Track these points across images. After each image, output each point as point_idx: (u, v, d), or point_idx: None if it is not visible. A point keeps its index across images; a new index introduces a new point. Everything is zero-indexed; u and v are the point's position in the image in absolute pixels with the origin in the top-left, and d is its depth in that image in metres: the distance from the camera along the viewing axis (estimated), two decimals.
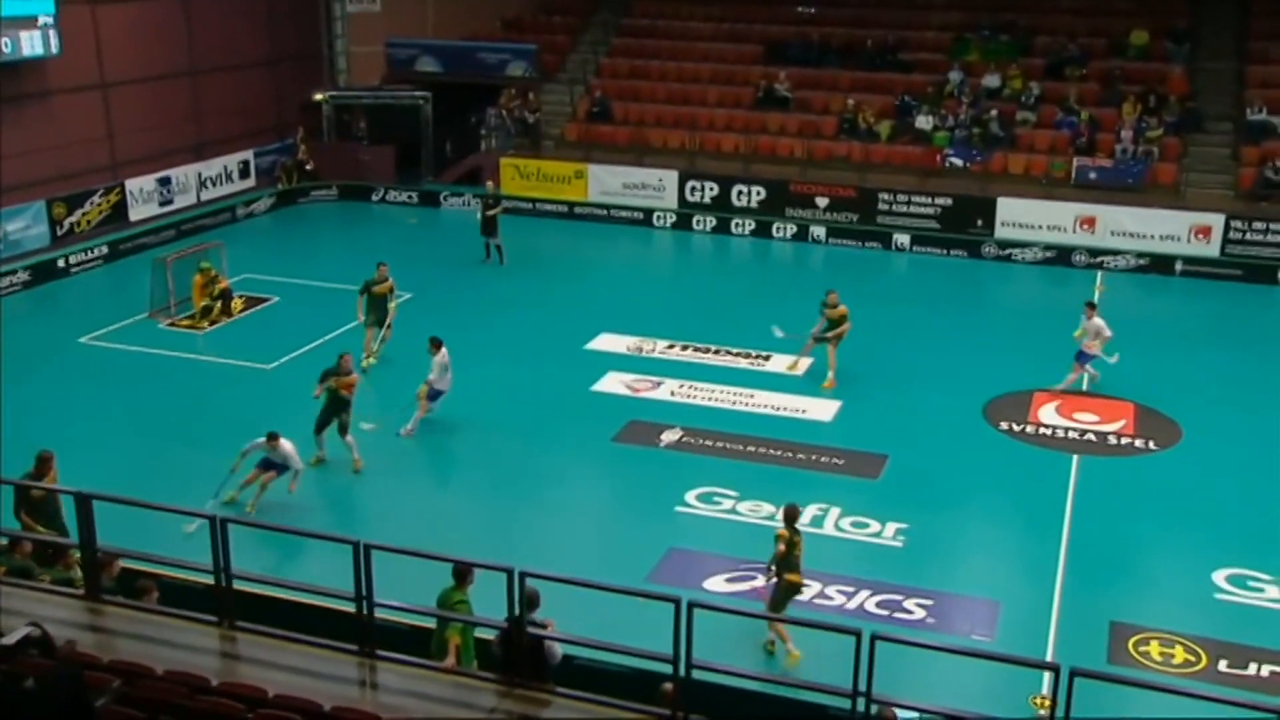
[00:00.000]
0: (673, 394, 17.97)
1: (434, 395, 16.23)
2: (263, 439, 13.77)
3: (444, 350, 16.09)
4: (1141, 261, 24.86)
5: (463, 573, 9.51)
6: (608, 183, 28.51)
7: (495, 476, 15.25)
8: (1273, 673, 11.18)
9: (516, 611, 8.21)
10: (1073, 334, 17.88)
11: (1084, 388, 18.03)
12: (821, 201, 27.28)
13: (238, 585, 8.76)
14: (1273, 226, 24.38)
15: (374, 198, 29.92)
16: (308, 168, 30.06)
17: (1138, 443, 16.44)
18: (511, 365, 18.91)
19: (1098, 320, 17.61)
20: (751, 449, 15.99)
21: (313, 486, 14.59)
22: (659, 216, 28.10)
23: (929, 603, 12.32)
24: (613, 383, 18.39)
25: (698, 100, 29.94)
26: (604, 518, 14.50)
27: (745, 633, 11.49)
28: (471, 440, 16.38)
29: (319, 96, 31.22)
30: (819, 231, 26.97)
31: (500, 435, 16.40)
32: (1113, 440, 16.53)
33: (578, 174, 28.72)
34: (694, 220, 27.85)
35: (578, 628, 9.06)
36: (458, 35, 32.56)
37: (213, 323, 20.63)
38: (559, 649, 8.69)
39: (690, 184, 28.16)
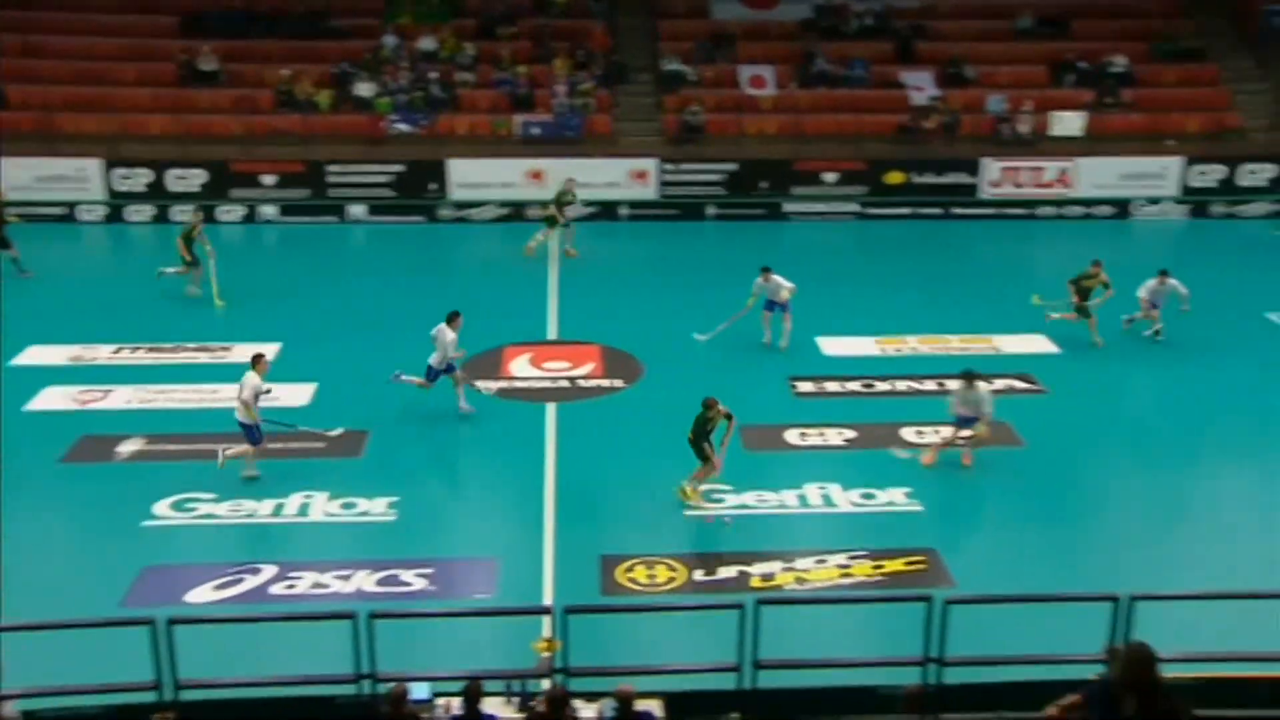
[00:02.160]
0: (128, 401, 16.68)
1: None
2: None
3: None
4: (591, 209, 26.65)
5: None
6: (16, 177, 25.57)
7: None
8: (739, 571, 12.58)
9: None
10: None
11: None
12: (268, 179, 26.41)
13: None
14: (697, 167, 27.14)
15: None
16: None
17: (605, 383, 17.67)
18: None
19: (777, 279, 18.64)
20: (227, 447, 15.19)
21: None
22: (85, 210, 25.73)
23: (429, 571, 12.49)
24: (53, 398, 16.70)
25: (113, 79, 27.68)
26: (60, 548, 13.14)
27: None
28: None
29: None
30: (270, 210, 26.12)
31: None
32: (584, 383, 17.64)
33: None
34: (127, 211, 25.83)
35: (39, 677, 8.16)
36: None
37: None
38: (10, 707, 7.78)
39: (118, 172, 26.04)
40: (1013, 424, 16.09)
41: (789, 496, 14.20)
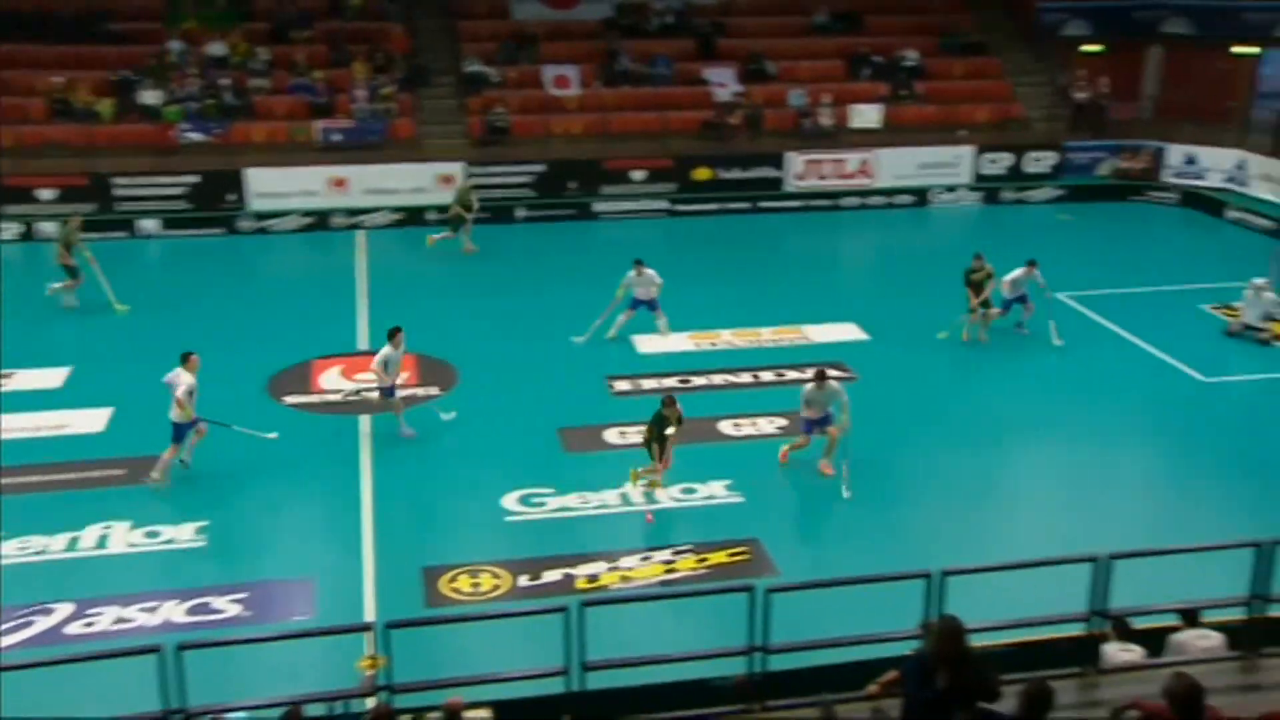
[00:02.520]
0: None
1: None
2: None
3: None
4: (398, 216, 26.20)
5: None
6: None
7: None
8: (564, 574, 12.58)
9: None
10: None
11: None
12: (46, 194, 25.02)
13: None
14: (504, 169, 27.00)
15: None
16: None
17: (420, 391, 17.40)
18: None
19: (649, 271, 18.91)
20: (8, 481, 14.33)
21: None
22: None
23: (243, 596, 12.05)
24: None
25: None
26: None
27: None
28: None
29: None
30: (50, 227, 24.68)
31: None
32: (398, 393, 17.28)
33: None
34: None
35: None
36: None
37: None
38: None
39: None
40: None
41: (611, 496, 14.27)
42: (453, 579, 12.47)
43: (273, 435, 15.24)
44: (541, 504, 14.09)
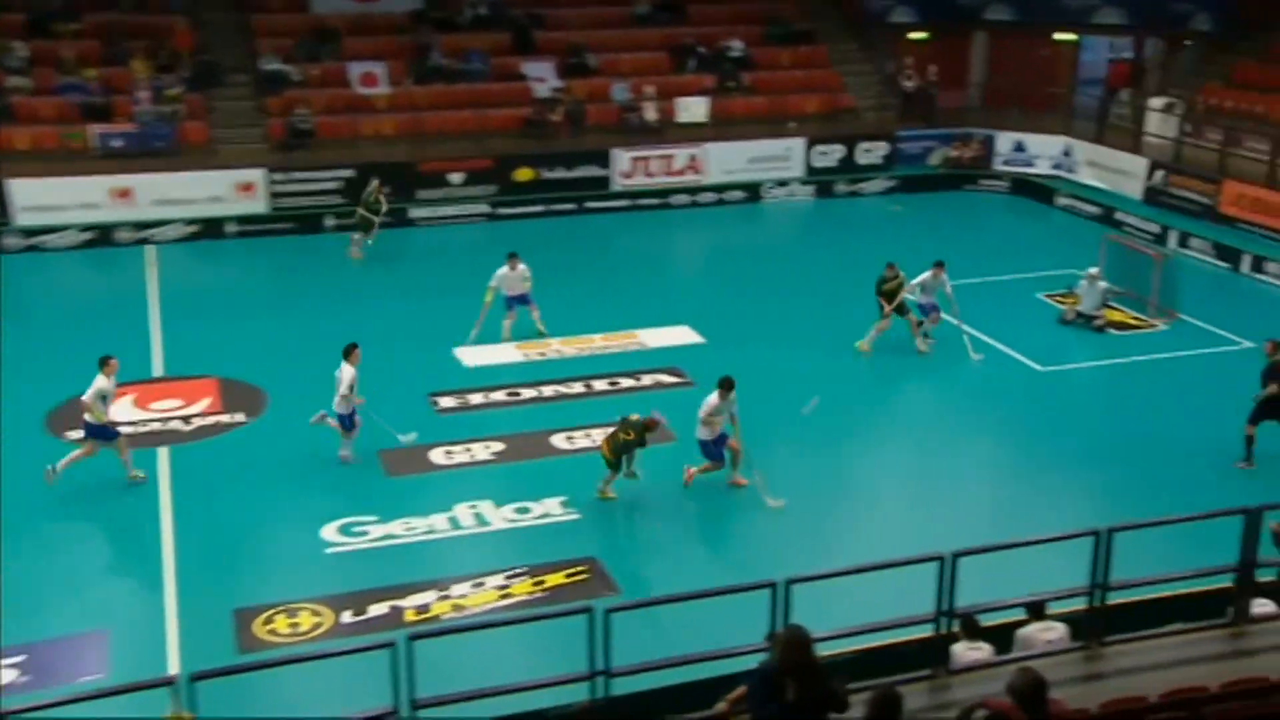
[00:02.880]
0: None
1: None
2: None
3: None
4: (193, 228, 25.36)
5: None
6: None
7: None
8: (392, 606, 12.38)
9: None
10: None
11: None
12: None
13: None
14: (310, 175, 26.44)
15: None
16: None
17: (225, 419, 16.89)
18: None
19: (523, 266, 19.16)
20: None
21: None
22: None
23: (20, 659, 11.43)
24: None
25: None
26: None
27: None
28: None
29: None
30: None
31: None
32: (200, 422, 16.78)
33: None
34: None
35: None
36: None
37: None
38: None
39: None
40: (664, 419, 16.75)
41: (439, 520, 14.13)
42: (268, 620, 12.13)
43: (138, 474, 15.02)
44: (364, 533, 13.85)
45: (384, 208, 24.32)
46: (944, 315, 19.56)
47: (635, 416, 14.65)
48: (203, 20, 28.88)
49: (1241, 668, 8.69)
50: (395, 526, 13.98)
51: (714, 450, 14.77)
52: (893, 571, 9.20)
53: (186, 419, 16.87)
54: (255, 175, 26.11)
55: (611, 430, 14.68)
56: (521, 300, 19.56)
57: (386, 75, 28.54)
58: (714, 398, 14.63)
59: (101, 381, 14.61)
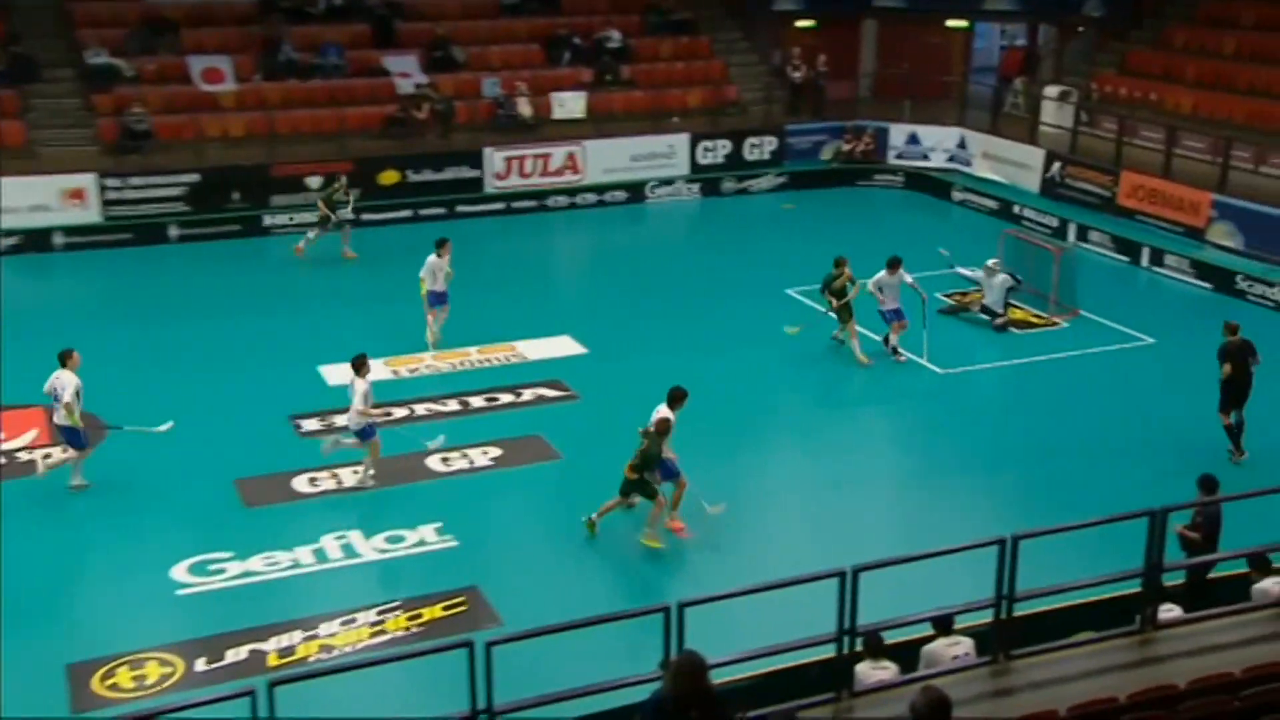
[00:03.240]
0: None
1: None
2: None
3: None
4: (14, 240, 24.52)
5: None
6: None
7: None
8: (251, 650, 12.09)
9: None
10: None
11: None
12: None
13: None
14: (149, 180, 25.79)
15: None
16: None
17: (57, 451, 16.31)
18: None
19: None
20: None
21: None
22: None
23: None
24: None
25: None
26: None
27: None
28: None
29: None
30: None
31: None
32: (25, 456, 16.20)
33: None
34: None
35: None
36: None
37: None
38: None
39: None
40: (546, 436, 16.69)
41: (303, 553, 13.87)
42: (109, 674, 11.76)
43: (165, 426, 15.60)
44: (220, 571, 13.52)
45: (349, 204, 24.57)
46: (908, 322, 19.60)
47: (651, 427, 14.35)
48: (11, 5, 27.82)
49: (1150, 676, 8.92)
50: (255, 562, 13.67)
51: (674, 468, 14.49)
52: (793, 590, 9.24)
53: (9, 454, 16.28)
54: (85, 181, 25.34)
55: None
56: (440, 297, 19.53)
57: (233, 70, 28.01)
58: (664, 413, 14.40)
59: None
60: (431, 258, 19.43)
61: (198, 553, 13.78)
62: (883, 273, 19.41)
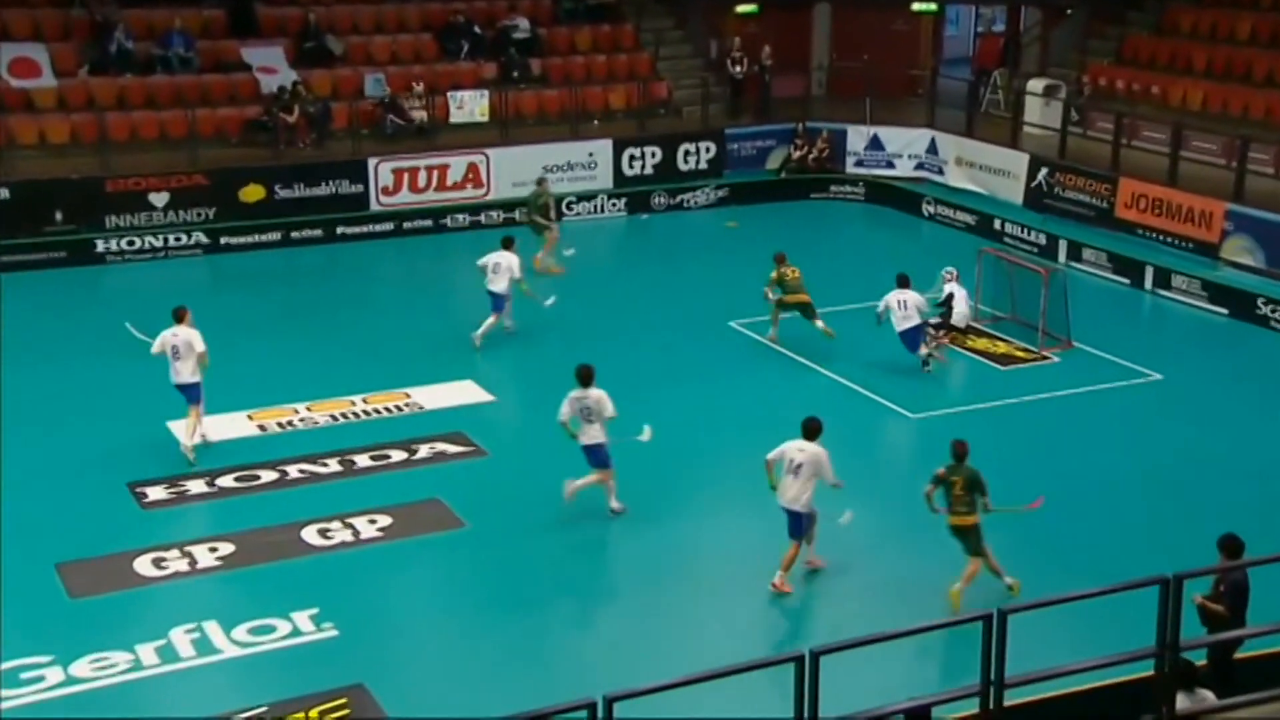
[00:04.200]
0: None
1: None
2: None
3: None
4: None
5: None
6: None
7: None
8: None
9: None
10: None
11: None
12: None
13: None
14: None
15: None
16: None
17: None
18: None
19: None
20: None
21: None
22: None
23: None
24: None
25: None
26: None
27: None
28: None
29: None
30: None
31: None
32: None
33: None
34: None
35: None
36: None
37: None
38: None
39: None
40: (447, 500, 16.55)
41: (146, 652, 13.55)
42: None
43: None
44: (37, 680, 13.15)
45: (551, 212, 26.17)
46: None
47: None
48: None
49: None
50: (82, 667, 13.31)
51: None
52: (741, 678, 9.17)
53: None
54: None
55: None
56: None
57: (50, 63, 27.79)
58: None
59: None
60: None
61: (9, 659, 13.40)
62: (891, 294, 20.42)
